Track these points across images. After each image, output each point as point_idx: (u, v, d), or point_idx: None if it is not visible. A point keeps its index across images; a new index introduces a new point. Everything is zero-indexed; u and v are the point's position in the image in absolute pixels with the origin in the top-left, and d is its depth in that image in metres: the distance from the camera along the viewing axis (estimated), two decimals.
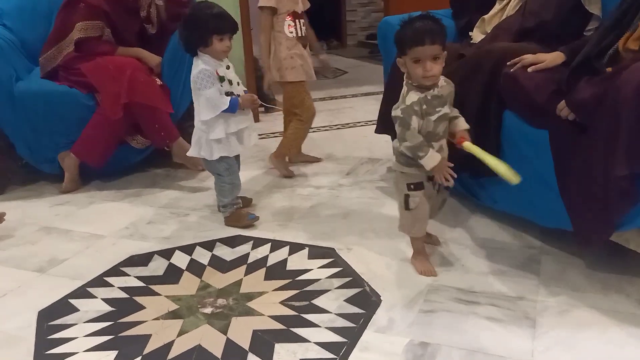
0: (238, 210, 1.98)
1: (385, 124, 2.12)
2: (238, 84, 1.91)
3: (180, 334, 1.39)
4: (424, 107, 1.45)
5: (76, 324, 1.45)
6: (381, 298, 1.49)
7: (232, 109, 1.84)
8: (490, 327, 1.36)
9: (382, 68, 2.34)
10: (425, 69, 1.42)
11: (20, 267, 1.75)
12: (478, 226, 1.86)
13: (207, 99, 1.81)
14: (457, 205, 2.02)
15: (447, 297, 1.48)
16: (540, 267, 1.60)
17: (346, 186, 2.28)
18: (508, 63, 1.68)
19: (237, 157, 2.01)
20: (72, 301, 1.55)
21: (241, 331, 1.39)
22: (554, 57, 1.63)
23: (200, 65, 1.81)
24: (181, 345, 1.35)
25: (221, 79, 1.83)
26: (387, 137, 2.31)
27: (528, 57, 1.64)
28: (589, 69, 1.49)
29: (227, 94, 1.85)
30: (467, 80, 1.72)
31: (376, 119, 2.30)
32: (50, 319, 1.47)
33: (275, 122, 3.25)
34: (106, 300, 1.55)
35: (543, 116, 1.50)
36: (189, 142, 2.42)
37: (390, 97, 2.04)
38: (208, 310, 1.49)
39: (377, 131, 2.26)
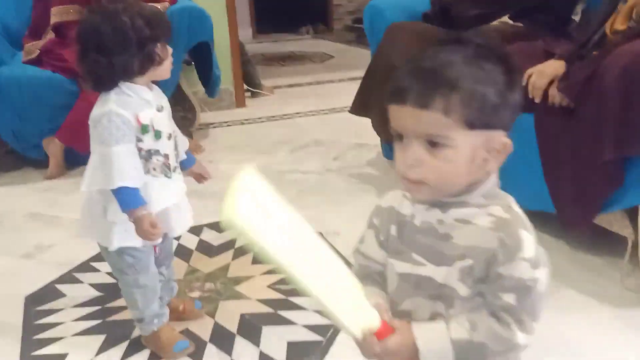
0: (163, 329, 1.27)
1: (362, 106, 2.12)
2: (169, 137, 1.16)
3: None
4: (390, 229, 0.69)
5: (64, 308, 1.45)
6: None
7: (124, 203, 1.09)
8: None
9: (370, 52, 2.33)
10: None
11: (7, 254, 1.74)
12: None
13: (108, 159, 1.07)
14: None
15: None
16: None
17: (333, 171, 2.29)
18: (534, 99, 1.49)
19: (168, 243, 1.31)
20: (59, 286, 1.55)
21: (229, 315, 1.40)
22: (557, 67, 1.49)
23: (110, 105, 1.09)
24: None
25: (144, 129, 1.10)
26: None
27: (536, 81, 1.47)
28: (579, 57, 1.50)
29: (147, 154, 1.12)
30: None
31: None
32: (38, 304, 1.47)
33: (262, 107, 3.23)
34: (93, 285, 1.55)
35: (529, 100, 1.51)
36: (177, 127, 2.41)
37: (372, 81, 2.05)
38: (196, 294, 1.49)
39: (352, 111, 2.19)
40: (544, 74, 1.47)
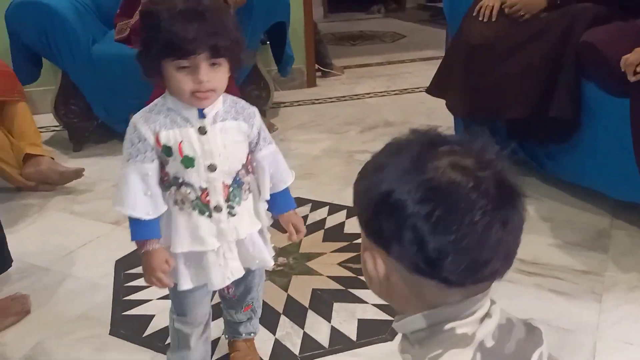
0: None
1: (441, 88, 2.07)
2: (212, 168, 0.93)
3: None
4: None
5: None
6: None
7: (131, 231, 0.95)
8: (553, 300, 1.34)
9: (444, 32, 2.26)
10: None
11: (99, 220, 1.86)
12: (544, 197, 1.81)
13: (120, 179, 0.94)
14: (521, 175, 1.95)
15: None
16: (610, 242, 1.55)
17: None
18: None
19: (244, 286, 1.12)
20: None
21: (301, 289, 1.44)
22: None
23: (136, 115, 0.94)
24: None
25: (165, 151, 0.92)
26: None
27: (630, 57, 1.40)
28: None
29: (175, 181, 0.94)
30: (533, 42, 1.67)
31: None
32: (127, 268, 1.57)
33: (332, 87, 3.24)
34: None
35: (625, 84, 1.42)
36: (252, 105, 2.46)
37: (450, 61, 1.99)
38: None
39: (429, 91, 2.15)
40: None
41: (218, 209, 0.95)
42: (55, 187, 2.03)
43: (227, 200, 0.96)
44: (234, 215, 0.97)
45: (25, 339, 1.31)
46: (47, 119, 2.54)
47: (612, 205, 1.69)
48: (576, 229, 1.63)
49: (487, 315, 0.54)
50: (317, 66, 3.35)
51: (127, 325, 1.35)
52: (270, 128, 2.42)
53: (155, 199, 0.93)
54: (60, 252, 1.65)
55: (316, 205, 1.88)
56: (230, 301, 1.16)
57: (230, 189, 0.96)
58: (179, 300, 1.05)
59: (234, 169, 0.96)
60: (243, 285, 1.12)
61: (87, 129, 2.38)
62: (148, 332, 1.32)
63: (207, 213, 0.95)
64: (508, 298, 1.35)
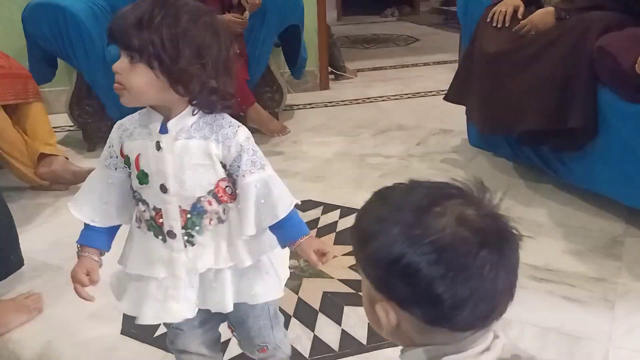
0: None
1: (459, 94, 2.06)
2: (162, 188, 0.83)
3: None
4: None
5: None
6: None
7: (80, 234, 0.91)
8: (565, 307, 1.33)
9: (457, 36, 2.26)
10: None
11: None
12: (557, 203, 1.80)
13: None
14: (535, 181, 1.95)
15: (521, 273, 1.45)
16: (623, 249, 1.53)
17: (416, 157, 2.26)
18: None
19: (245, 329, 1.00)
20: None
21: (312, 292, 1.44)
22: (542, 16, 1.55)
23: (117, 122, 0.90)
24: None
25: (126, 161, 0.86)
26: (461, 108, 2.25)
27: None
28: None
29: (134, 196, 0.87)
30: (547, 52, 1.65)
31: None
32: None
33: (345, 90, 3.24)
34: None
35: None
36: (264, 107, 2.48)
37: (467, 68, 1.98)
38: None
39: (447, 98, 2.13)
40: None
41: (171, 234, 0.85)
42: (69, 187, 2.05)
43: (185, 227, 0.85)
44: (193, 244, 0.86)
45: (37, 338, 1.32)
46: (62, 119, 2.57)
47: (626, 212, 1.67)
48: (589, 235, 1.61)
49: (487, 349, 0.56)
50: (330, 69, 3.36)
51: (138, 324, 1.36)
52: (283, 130, 2.43)
53: (108, 209, 0.88)
54: (72, 251, 1.64)
55: (328, 208, 1.88)
56: (239, 342, 1.06)
57: (189, 216, 0.85)
58: (167, 325, 0.97)
59: (192, 195, 0.84)
60: (245, 330, 1.00)
61: (101, 129, 2.40)
62: (159, 332, 1.33)
63: (160, 237, 0.86)
64: (519, 304, 1.34)
